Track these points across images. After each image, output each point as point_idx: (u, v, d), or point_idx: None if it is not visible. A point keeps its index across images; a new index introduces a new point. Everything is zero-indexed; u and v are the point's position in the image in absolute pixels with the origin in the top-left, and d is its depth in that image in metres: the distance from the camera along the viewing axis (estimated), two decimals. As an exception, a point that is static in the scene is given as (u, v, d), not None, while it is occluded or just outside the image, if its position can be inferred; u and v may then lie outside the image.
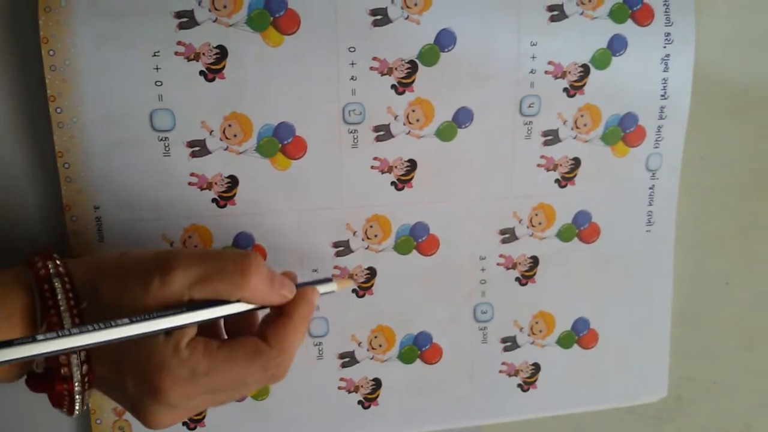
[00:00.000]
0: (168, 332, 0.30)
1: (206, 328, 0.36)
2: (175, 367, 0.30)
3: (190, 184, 0.38)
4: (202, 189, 0.39)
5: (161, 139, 0.37)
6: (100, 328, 0.28)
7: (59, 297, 0.30)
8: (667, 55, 0.43)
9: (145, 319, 0.29)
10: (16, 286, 0.31)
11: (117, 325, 0.29)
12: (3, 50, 0.36)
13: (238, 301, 0.32)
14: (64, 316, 0.30)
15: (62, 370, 0.30)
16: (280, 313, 0.34)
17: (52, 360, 0.31)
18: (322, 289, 0.37)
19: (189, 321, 0.30)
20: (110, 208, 0.37)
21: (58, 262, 0.32)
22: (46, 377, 0.31)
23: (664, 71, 0.43)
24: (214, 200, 0.39)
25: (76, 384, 0.31)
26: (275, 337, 0.33)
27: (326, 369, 0.43)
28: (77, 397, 0.31)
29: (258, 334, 0.34)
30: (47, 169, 0.37)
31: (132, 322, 0.29)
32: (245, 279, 0.32)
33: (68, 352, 0.30)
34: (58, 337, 0.27)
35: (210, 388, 0.31)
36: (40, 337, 0.27)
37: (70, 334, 0.28)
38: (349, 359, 0.43)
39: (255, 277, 0.32)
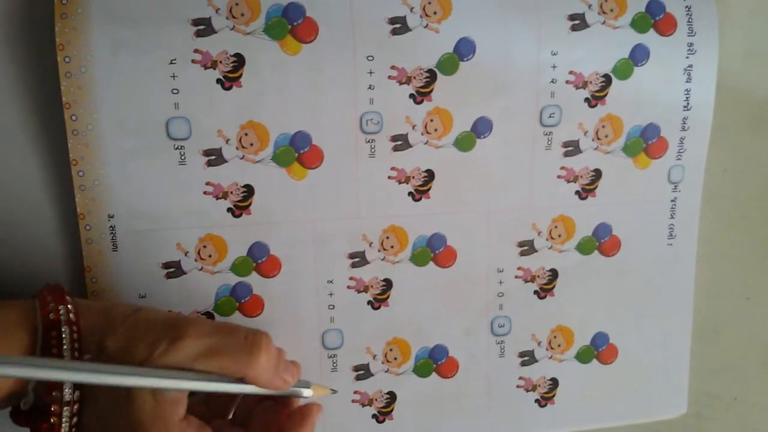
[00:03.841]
0: (159, 402, 0.30)
1: (212, 406, 0.36)
2: None
3: (205, 193, 0.38)
4: (217, 198, 0.38)
5: (177, 148, 0.37)
6: (95, 369, 0.29)
7: (65, 347, 0.30)
8: (690, 66, 0.42)
9: (142, 374, 0.29)
10: (18, 328, 0.30)
11: (115, 372, 0.29)
12: (18, 56, 0.35)
13: (241, 380, 0.32)
14: None
15: (52, 419, 0.29)
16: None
17: (41, 400, 0.30)
18: (305, 393, 0.36)
19: (189, 387, 0.30)
20: (124, 216, 0.37)
21: (69, 307, 0.31)
22: (31, 416, 0.30)
23: (687, 82, 0.42)
24: (229, 210, 0.38)
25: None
26: None
27: (340, 382, 0.42)
28: None
29: None
30: (61, 177, 0.37)
31: (128, 374, 0.29)
32: (253, 357, 0.32)
33: (61, 404, 0.30)
34: (50, 366, 0.28)
35: None
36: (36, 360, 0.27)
37: (65, 367, 0.28)
38: (363, 372, 0.42)
39: (263, 357, 0.32)
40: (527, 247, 0.43)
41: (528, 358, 0.44)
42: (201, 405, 0.36)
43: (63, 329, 0.30)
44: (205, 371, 0.31)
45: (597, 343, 0.45)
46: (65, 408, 0.30)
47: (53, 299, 0.31)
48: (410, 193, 0.40)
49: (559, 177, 0.42)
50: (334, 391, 0.40)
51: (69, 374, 0.28)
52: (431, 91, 0.39)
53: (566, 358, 0.45)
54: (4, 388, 0.30)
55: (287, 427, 0.34)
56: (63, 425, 0.30)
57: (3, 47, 0.35)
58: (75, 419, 0.30)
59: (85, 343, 0.31)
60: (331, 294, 0.41)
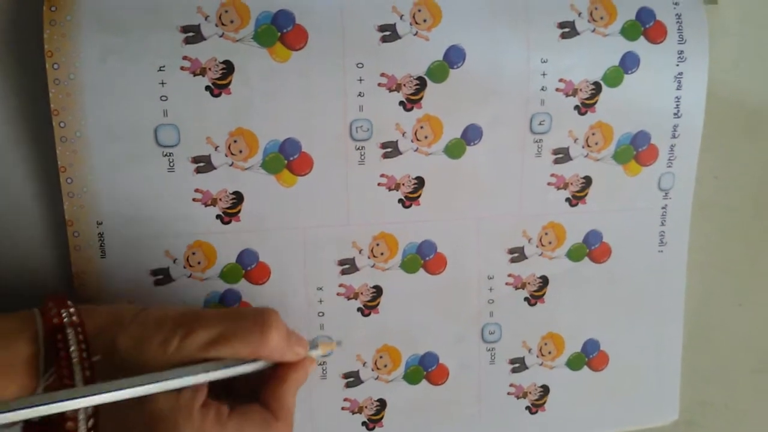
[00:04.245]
0: (180, 393, 0.30)
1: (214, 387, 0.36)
2: None
3: (194, 200, 0.38)
4: (206, 205, 0.38)
5: (166, 155, 0.37)
6: (110, 389, 0.28)
7: (72, 348, 0.29)
8: (680, 73, 0.42)
9: (157, 380, 0.29)
10: (19, 335, 0.30)
11: (128, 386, 0.28)
12: (7, 63, 0.35)
13: (254, 359, 0.32)
14: (75, 368, 0.29)
15: (67, 425, 0.29)
16: (276, 376, 0.34)
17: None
18: (313, 353, 0.36)
19: (203, 380, 0.30)
20: (113, 223, 0.37)
21: (72, 310, 0.31)
22: (43, 427, 0.29)
23: (677, 89, 0.42)
24: (218, 216, 0.38)
25: None
26: (279, 407, 0.33)
27: (330, 389, 0.42)
28: None
29: (260, 401, 0.33)
30: (50, 184, 0.36)
31: (144, 383, 0.29)
32: (264, 337, 0.32)
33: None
34: (62, 399, 0.27)
35: None
36: (41, 397, 0.27)
37: (76, 396, 0.27)
38: (353, 379, 0.42)
39: (273, 334, 0.32)
40: (517, 254, 0.43)
41: (519, 365, 0.44)
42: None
43: (68, 331, 0.30)
44: (221, 358, 0.31)
45: (588, 350, 0.45)
46: (81, 423, 0.29)
47: (55, 305, 0.31)
48: (400, 200, 0.40)
49: (549, 184, 0.42)
50: (339, 343, 0.40)
51: (86, 399, 0.28)
52: (421, 98, 0.39)
53: (557, 365, 0.45)
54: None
55: (285, 374, 0.34)
56: (80, 428, 0.29)
57: (-9, 54, 0.35)
58: (91, 421, 0.30)
59: (92, 345, 0.30)
60: (320, 301, 0.41)
